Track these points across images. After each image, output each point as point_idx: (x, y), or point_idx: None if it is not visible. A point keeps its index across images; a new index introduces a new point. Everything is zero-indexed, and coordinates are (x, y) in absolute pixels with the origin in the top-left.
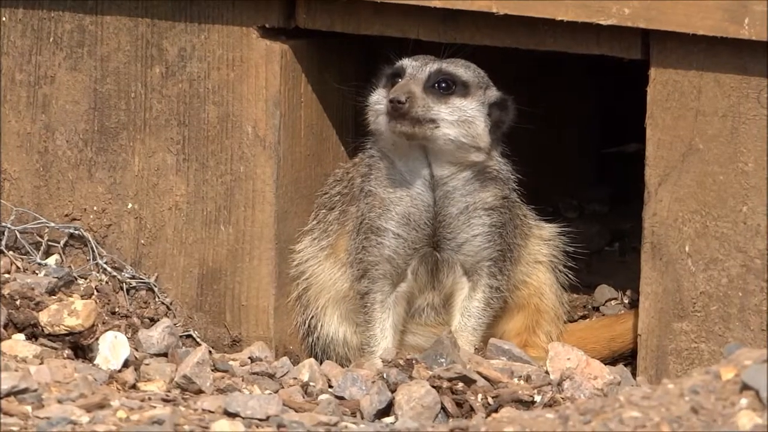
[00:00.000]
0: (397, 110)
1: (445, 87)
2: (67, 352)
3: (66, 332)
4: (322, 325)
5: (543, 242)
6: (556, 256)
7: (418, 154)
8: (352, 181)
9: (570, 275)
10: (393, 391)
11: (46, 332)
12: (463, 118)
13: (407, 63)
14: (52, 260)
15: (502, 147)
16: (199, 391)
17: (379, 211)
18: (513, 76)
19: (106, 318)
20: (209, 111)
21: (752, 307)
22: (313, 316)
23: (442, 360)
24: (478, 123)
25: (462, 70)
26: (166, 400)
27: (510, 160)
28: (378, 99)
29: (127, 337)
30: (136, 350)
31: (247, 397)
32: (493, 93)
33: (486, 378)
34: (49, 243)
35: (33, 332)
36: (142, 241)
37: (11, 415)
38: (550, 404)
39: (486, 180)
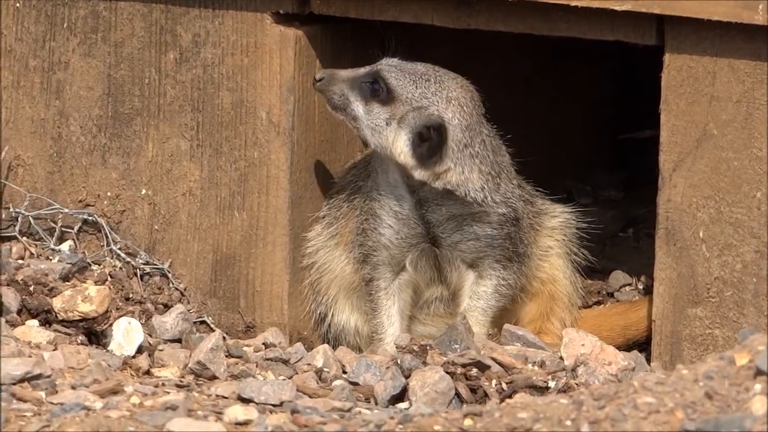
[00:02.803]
0: (313, 84)
1: (372, 89)
2: (81, 338)
3: (80, 318)
4: (333, 314)
5: (554, 230)
6: (569, 241)
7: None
8: (369, 159)
9: (584, 260)
10: (407, 377)
11: (60, 318)
12: (372, 125)
13: (383, 60)
14: (65, 246)
15: (482, 173)
16: (213, 377)
17: (377, 196)
18: (528, 62)
19: (120, 304)
20: (223, 97)
21: (766, 292)
22: (325, 305)
23: (456, 346)
24: (387, 135)
25: (399, 80)
26: (179, 386)
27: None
28: None
29: (141, 323)
30: (150, 336)
31: (260, 383)
32: (430, 114)
33: (500, 364)
34: (63, 229)
35: (47, 318)
36: (156, 227)
37: (25, 401)
38: (565, 390)
39: (464, 201)
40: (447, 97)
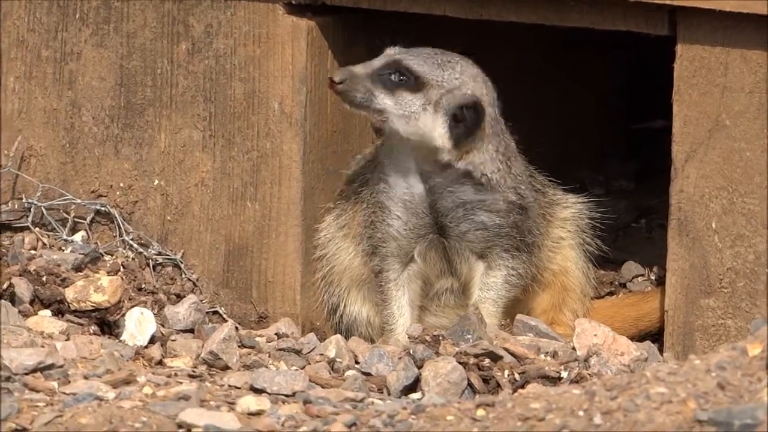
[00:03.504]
0: (330, 88)
1: (395, 78)
2: (94, 328)
3: (92, 308)
4: (345, 305)
5: (566, 221)
6: (582, 231)
7: (402, 145)
8: (377, 150)
9: (597, 250)
10: (419, 368)
11: (73, 308)
12: (407, 113)
13: (388, 50)
14: (78, 237)
15: (499, 153)
16: (226, 368)
17: (385, 187)
18: (539, 52)
19: (133, 294)
20: (235, 87)
21: None
22: (337, 296)
23: (469, 336)
24: (425, 120)
25: (423, 65)
26: (192, 376)
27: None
28: None
29: (154, 314)
30: (163, 326)
31: (273, 373)
32: (463, 94)
33: (513, 354)
34: (76, 219)
35: (59, 308)
36: (169, 218)
37: (37, 391)
38: (577, 380)
39: (476, 184)
40: (472, 76)
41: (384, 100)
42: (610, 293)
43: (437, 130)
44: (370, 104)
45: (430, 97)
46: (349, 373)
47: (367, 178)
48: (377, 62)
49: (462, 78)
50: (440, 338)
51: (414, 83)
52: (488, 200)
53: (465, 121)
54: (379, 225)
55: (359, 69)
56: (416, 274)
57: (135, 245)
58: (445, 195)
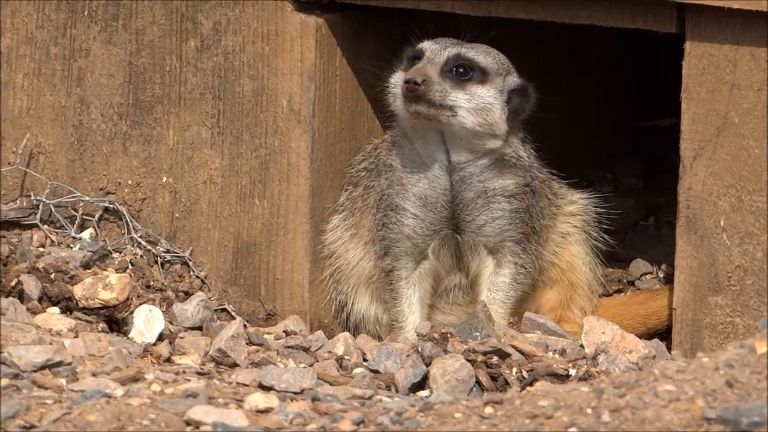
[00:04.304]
0: (412, 92)
1: (462, 72)
2: (102, 325)
3: (100, 306)
4: (353, 304)
5: (573, 216)
6: (588, 226)
7: (436, 138)
8: (378, 156)
9: (605, 245)
10: (428, 365)
11: (81, 306)
12: (481, 106)
13: (427, 46)
14: (86, 234)
15: (523, 133)
16: (234, 365)
17: (398, 188)
18: (547, 50)
19: (141, 292)
20: (244, 85)
21: None
22: (345, 294)
23: (477, 334)
24: (495, 111)
25: (481, 55)
26: (200, 374)
27: (534, 145)
28: (396, 81)
29: (162, 311)
30: (171, 324)
31: (281, 371)
32: (513, 80)
33: (521, 352)
34: (84, 217)
35: (67, 306)
36: (177, 215)
37: (46, 388)
38: (585, 378)
39: (505, 167)
40: (508, 62)
41: (456, 96)
42: (619, 291)
43: (502, 117)
44: (443, 101)
45: (496, 86)
46: (358, 370)
47: (372, 185)
48: (438, 59)
49: (507, 65)
50: (448, 336)
51: (480, 76)
52: (509, 185)
53: (516, 106)
54: (392, 226)
55: (429, 69)
56: (428, 272)
57: (143, 243)
58: (473, 185)
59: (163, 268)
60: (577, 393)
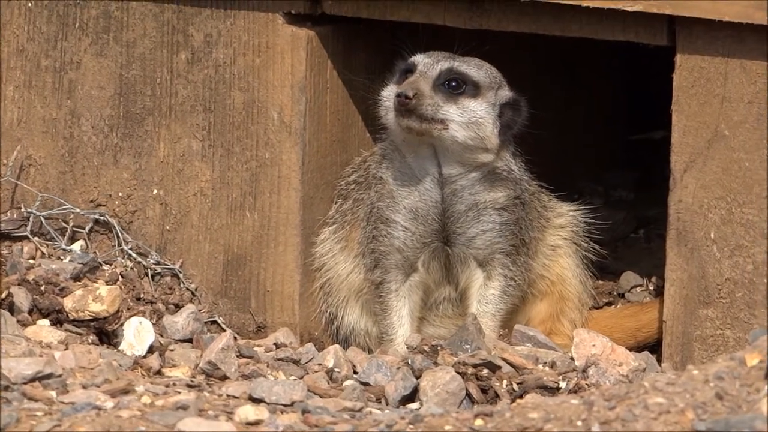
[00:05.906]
0: (403, 105)
1: (455, 86)
2: (92, 337)
3: (91, 318)
4: (343, 316)
5: (562, 229)
6: (578, 238)
7: (428, 152)
8: (368, 169)
9: (596, 256)
10: (418, 378)
11: (71, 318)
12: (473, 120)
13: (419, 59)
14: (77, 246)
15: (514, 147)
16: (224, 377)
17: (388, 201)
18: (538, 63)
19: (131, 304)
20: (235, 97)
21: None
22: (335, 306)
23: (467, 346)
24: (487, 125)
25: (474, 69)
26: (190, 386)
27: (524, 158)
28: (388, 94)
29: (152, 323)
30: (161, 336)
31: (271, 383)
32: (505, 93)
33: (511, 364)
34: (74, 229)
35: (58, 318)
36: (167, 227)
37: (36, 400)
38: (575, 390)
39: (496, 180)
40: (500, 75)
41: (448, 110)
42: (609, 303)
43: (493, 131)
44: (435, 115)
45: (488, 100)
46: (348, 383)
47: (362, 198)
48: (431, 72)
49: (499, 78)
50: (439, 348)
51: (473, 90)
52: (499, 198)
53: (508, 120)
54: (382, 239)
55: (421, 82)
56: (418, 285)
57: (134, 255)
58: (465, 198)
59: (153, 280)
60: (567, 405)
